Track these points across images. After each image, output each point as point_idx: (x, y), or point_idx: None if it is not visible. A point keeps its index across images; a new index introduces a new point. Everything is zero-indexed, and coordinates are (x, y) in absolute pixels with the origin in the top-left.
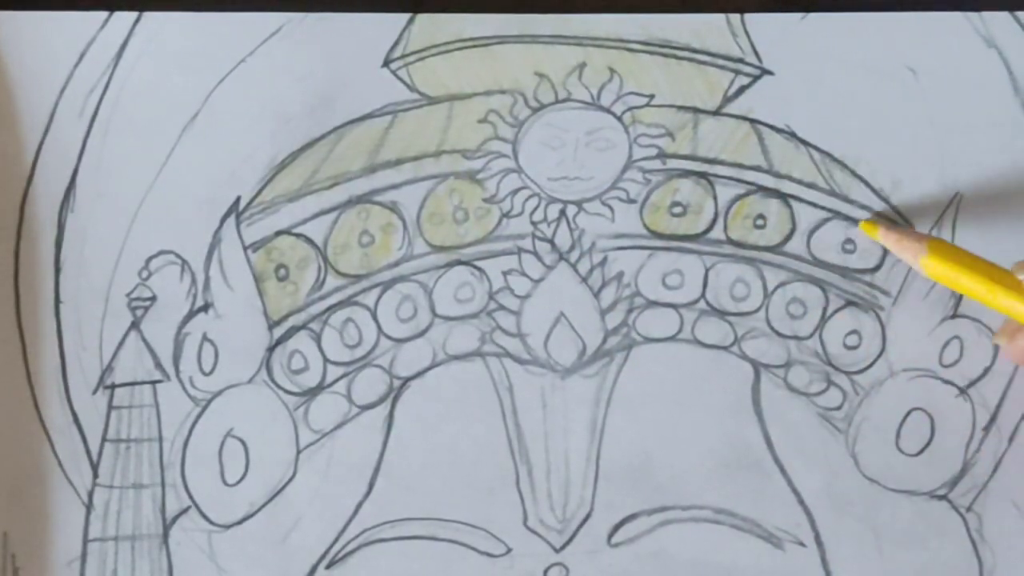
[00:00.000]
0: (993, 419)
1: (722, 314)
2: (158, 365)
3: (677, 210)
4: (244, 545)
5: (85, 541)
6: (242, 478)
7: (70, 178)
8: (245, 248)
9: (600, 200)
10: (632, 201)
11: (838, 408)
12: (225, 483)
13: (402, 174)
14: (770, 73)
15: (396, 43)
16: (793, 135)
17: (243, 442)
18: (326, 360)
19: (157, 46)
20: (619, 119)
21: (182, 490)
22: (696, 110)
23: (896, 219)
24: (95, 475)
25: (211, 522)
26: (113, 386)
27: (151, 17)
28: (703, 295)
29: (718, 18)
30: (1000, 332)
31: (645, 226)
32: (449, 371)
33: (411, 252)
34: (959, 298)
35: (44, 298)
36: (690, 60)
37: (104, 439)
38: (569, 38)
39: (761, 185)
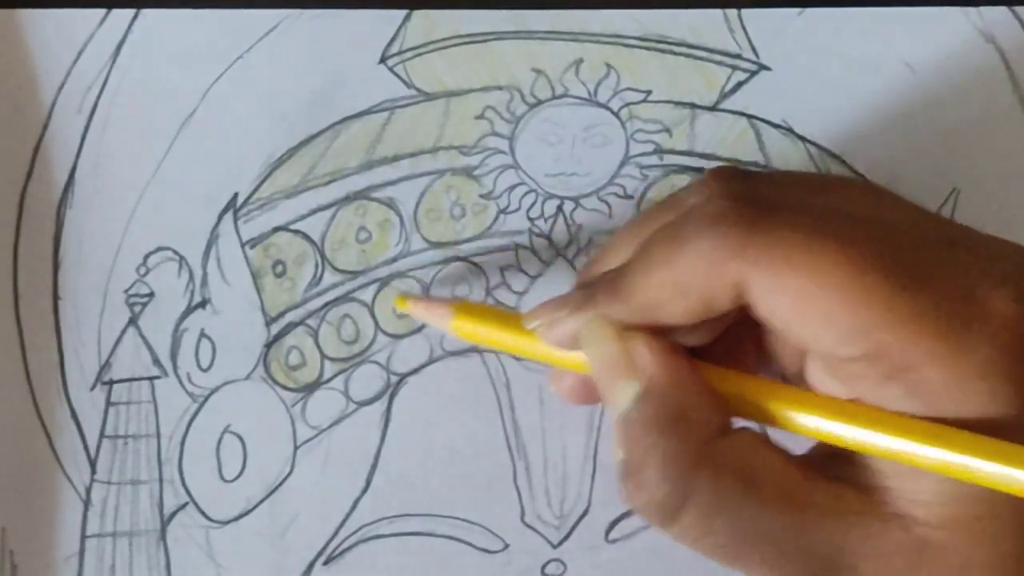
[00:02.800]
0: None
1: None
2: (156, 361)
3: None
4: (242, 541)
5: (83, 537)
6: (239, 474)
7: (68, 175)
8: (242, 244)
9: (597, 196)
10: (629, 197)
11: None
12: (223, 479)
13: (399, 170)
14: (767, 68)
15: (392, 39)
16: (790, 131)
17: (240, 438)
18: (323, 356)
19: (154, 43)
20: (616, 115)
21: (180, 486)
22: (693, 106)
23: None
24: (93, 471)
25: (209, 518)
26: (111, 382)
27: (148, 14)
28: None
29: (715, 13)
30: (552, 377)
31: None
32: (446, 367)
33: (408, 248)
34: None
35: (42, 294)
36: (687, 56)
37: (102, 435)
38: (565, 34)
39: None
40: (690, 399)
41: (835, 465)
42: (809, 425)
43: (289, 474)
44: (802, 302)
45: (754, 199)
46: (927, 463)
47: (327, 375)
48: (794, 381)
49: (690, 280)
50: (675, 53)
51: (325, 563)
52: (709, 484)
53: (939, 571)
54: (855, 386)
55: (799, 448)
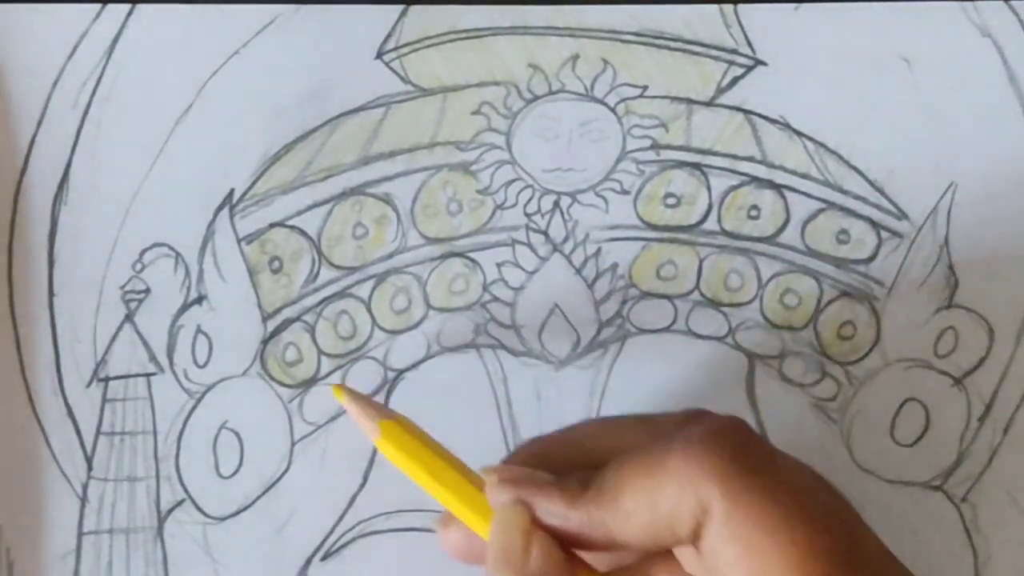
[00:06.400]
0: (988, 410)
1: (716, 305)
2: (152, 358)
3: (671, 201)
4: (239, 537)
5: (80, 534)
6: (237, 470)
7: (63, 171)
8: (239, 240)
9: (594, 191)
10: (626, 192)
11: (832, 399)
12: (220, 476)
13: (396, 166)
14: (764, 64)
15: (389, 35)
16: (787, 126)
17: (238, 435)
18: (320, 352)
19: (150, 38)
20: (613, 110)
21: (176, 483)
22: (690, 101)
23: (891, 209)
24: (89, 468)
25: (206, 514)
26: (107, 379)
27: (144, 9)
28: (697, 286)
29: (711, 8)
30: (440, 520)
31: (639, 217)
32: (443, 363)
33: (405, 244)
34: (954, 289)
35: (38, 291)
36: (683, 51)
37: (98, 432)
38: (562, 29)
39: (755, 176)
40: None
41: None
42: None
43: (286, 470)
44: (752, 560)
45: (752, 446)
46: None
47: (324, 371)
48: None
49: (662, 496)
50: (671, 48)
51: (323, 559)
52: None
53: None
54: None
55: None
